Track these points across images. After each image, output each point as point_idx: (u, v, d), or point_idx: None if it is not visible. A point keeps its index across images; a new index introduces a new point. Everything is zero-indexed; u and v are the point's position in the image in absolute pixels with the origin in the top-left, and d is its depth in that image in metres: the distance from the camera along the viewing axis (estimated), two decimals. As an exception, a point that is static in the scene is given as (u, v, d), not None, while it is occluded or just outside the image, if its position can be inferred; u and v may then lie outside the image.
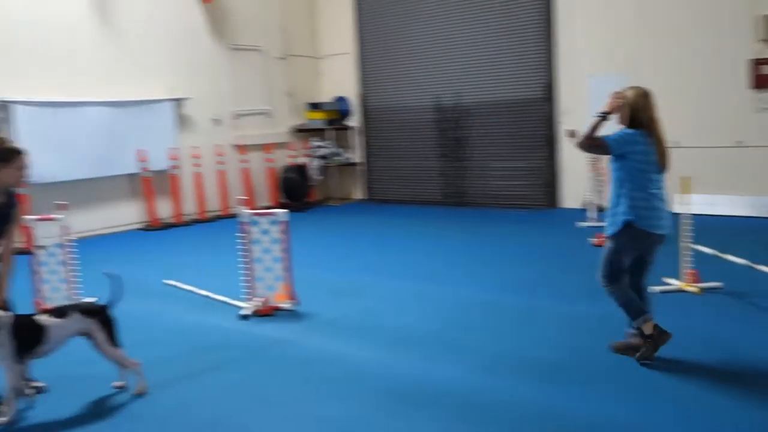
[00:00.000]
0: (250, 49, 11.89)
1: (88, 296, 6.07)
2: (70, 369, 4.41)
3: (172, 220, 10.53)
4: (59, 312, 3.99)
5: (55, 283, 5.95)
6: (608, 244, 4.32)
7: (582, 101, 9.70)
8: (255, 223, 5.73)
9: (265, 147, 12.04)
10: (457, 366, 4.36)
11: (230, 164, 11.49)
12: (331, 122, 12.44)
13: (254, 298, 5.69)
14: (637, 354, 4.24)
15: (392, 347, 4.78)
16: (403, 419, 3.67)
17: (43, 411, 3.90)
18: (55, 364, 4.32)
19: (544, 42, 10.63)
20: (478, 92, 11.35)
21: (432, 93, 11.74)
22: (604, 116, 4.22)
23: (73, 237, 6.02)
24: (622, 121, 4.23)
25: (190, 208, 10.85)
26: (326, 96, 12.99)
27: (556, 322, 5.16)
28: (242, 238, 5.70)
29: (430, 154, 12.01)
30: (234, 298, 5.97)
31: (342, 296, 6.19)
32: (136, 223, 10.32)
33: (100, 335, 3.98)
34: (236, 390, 4.16)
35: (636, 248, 4.27)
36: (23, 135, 8.75)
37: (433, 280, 6.57)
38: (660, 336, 4.22)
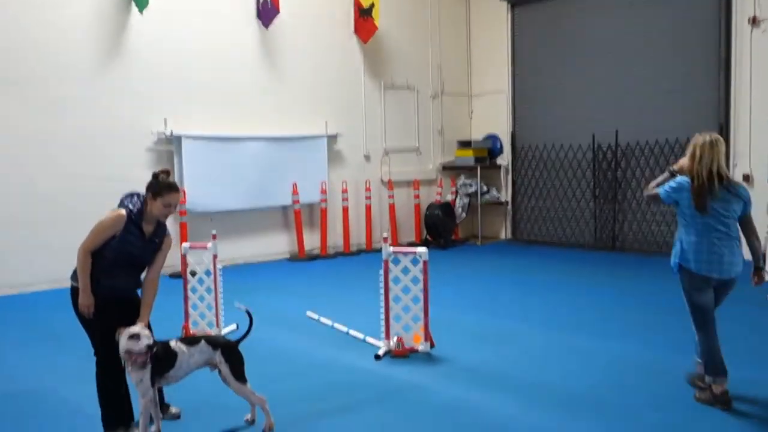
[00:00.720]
0: (404, 88, 12.03)
1: (231, 323, 6.24)
2: (207, 397, 4.46)
3: (318, 252, 10.74)
4: (190, 340, 4.05)
5: (203, 310, 6.16)
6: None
7: (761, 142, 8.76)
8: (396, 261, 5.61)
9: (413, 183, 12.04)
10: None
11: (377, 199, 11.59)
12: (480, 160, 12.22)
13: (390, 338, 5.54)
14: (697, 394, 4.38)
15: (533, 403, 4.41)
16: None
17: (176, 437, 3.95)
18: (194, 390, 4.41)
19: (718, 79, 9.79)
20: (638, 131, 10.65)
21: (588, 131, 11.18)
22: (672, 173, 4.44)
23: (225, 264, 6.20)
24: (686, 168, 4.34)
25: (335, 240, 11.03)
26: (477, 134, 12.82)
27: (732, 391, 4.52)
28: (383, 275, 5.59)
29: (582, 195, 11.41)
30: (371, 336, 5.86)
31: (481, 342, 5.88)
32: (284, 253, 10.64)
33: (225, 368, 3.98)
34: (364, 435, 4.00)
35: (698, 289, 4.33)
36: (188, 167, 9.35)
37: (582, 332, 6.09)
38: (722, 399, 4.23)
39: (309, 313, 6.84)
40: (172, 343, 3.97)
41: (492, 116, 12.62)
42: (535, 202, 12.11)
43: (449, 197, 12.31)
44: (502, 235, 12.55)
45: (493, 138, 12.54)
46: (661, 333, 6.01)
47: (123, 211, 3.95)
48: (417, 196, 12.05)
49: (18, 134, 8.20)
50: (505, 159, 12.46)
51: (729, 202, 4.25)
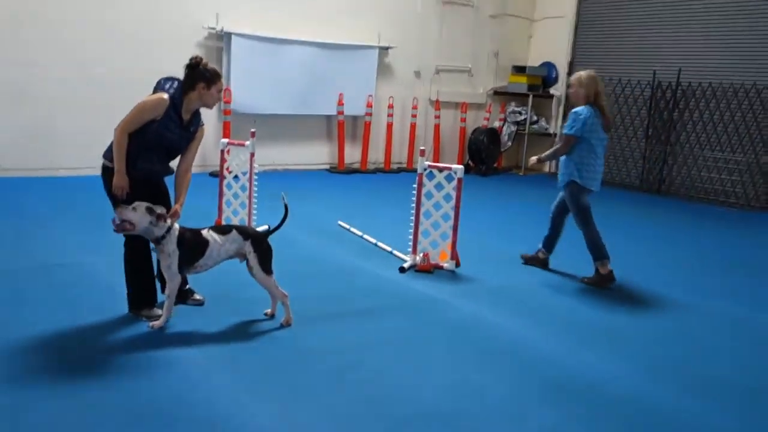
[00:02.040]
0: (463, 4, 11.60)
1: (262, 224, 6.31)
2: (228, 289, 4.56)
3: (358, 166, 10.71)
4: (221, 230, 4.08)
5: (237, 207, 6.24)
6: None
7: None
8: (431, 176, 5.54)
9: (461, 106, 11.79)
10: (622, 364, 3.89)
11: (423, 119, 11.41)
12: (533, 88, 11.85)
13: (417, 253, 5.54)
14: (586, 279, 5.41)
15: (555, 330, 4.39)
16: (553, 407, 3.33)
17: (192, 324, 4.06)
18: (216, 283, 4.50)
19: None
20: (704, 72, 10.13)
21: (649, 68, 10.68)
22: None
23: (264, 168, 6.22)
24: (578, 101, 5.20)
25: (376, 156, 10.97)
26: (533, 60, 12.38)
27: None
28: (416, 189, 5.54)
29: (633, 134, 11.03)
30: (398, 250, 5.87)
31: (507, 267, 5.85)
32: (324, 164, 10.64)
33: (253, 258, 4.03)
34: (380, 339, 4.06)
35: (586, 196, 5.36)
36: (235, 65, 9.29)
37: (616, 265, 5.99)
38: (610, 277, 5.35)
39: (340, 223, 6.88)
40: (204, 232, 4.01)
41: (551, 43, 12.15)
42: (585, 137, 11.75)
43: (496, 124, 12.04)
44: (546, 168, 12.30)
45: (549, 66, 12.11)
46: (698, 280, 5.88)
47: (165, 96, 3.91)
48: (463, 120, 11.82)
49: (75, 24, 8.22)
50: (559, 89, 12.06)
51: None
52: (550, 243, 5.76)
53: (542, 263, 5.80)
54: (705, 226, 8.41)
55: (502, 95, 12.26)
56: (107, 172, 3.98)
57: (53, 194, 7.40)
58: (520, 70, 12.01)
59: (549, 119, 12.20)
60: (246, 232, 4.10)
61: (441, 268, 5.50)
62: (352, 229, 6.66)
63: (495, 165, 11.81)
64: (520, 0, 12.28)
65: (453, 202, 5.43)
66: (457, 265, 5.52)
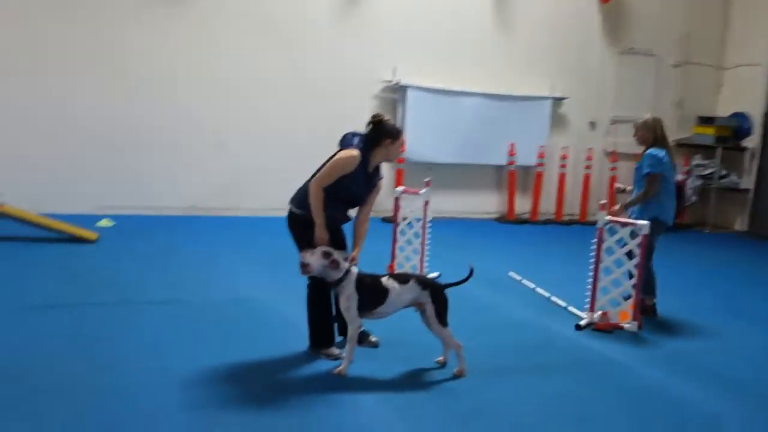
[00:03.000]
0: (642, 54, 11.15)
1: (433, 271, 6.33)
2: (402, 334, 4.57)
3: (528, 217, 10.49)
4: (400, 278, 4.12)
5: (409, 253, 6.31)
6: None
7: None
8: (613, 231, 5.27)
9: (638, 157, 11.19)
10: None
11: (597, 170, 10.99)
12: (721, 140, 11.02)
13: (595, 310, 5.25)
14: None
15: (742, 402, 3.94)
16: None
17: (367, 367, 4.10)
18: (391, 326, 4.54)
19: None
20: None
21: None
22: (622, 190, 5.90)
23: (433, 215, 6.28)
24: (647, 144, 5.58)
25: (547, 207, 10.69)
26: (723, 110, 11.54)
27: None
28: (595, 243, 5.29)
29: None
30: (573, 306, 5.62)
31: (695, 333, 5.37)
32: (492, 213, 10.54)
33: (431, 309, 4.02)
34: (551, 399, 3.86)
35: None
36: (410, 116, 9.56)
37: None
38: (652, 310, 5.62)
39: (511, 274, 6.73)
40: (384, 280, 4.06)
41: (743, 93, 11.26)
42: (783, 194, 10.69)
43: (679, 177, 11.28)
44: (737, 226, 11.29)
45: (740, 117, 11.21)
46: None
47: (357, 152, 4.09)
48: (642, 172, 11.21)
49: (256, 72, 8.91)
50: (752, 141, 11.10)
51: None
52: (650, 287, 5.63)
53: (652, 311, 5.61)
54: None
55: (686, 147, 11.52)
56: (294, 217, 4.20)
57: (239, 234, 7.94)
58: (707, 120, 11.23)
59: (741, 173, 11.24)
60: (424, 282, 4.11)
61: (621, 328, 5.16)
62: (524, 281, 6.48)
63: (678, 220, 11.02)
64: (707, 48, 11.57)
65: (637, 260, 5.11)
66: (640, 327, 5.15)
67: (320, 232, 4.05)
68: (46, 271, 5.78)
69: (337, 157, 4.11)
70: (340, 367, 4.00)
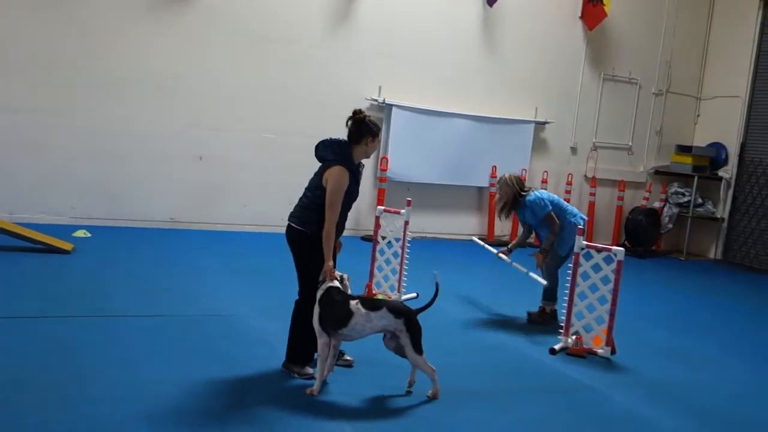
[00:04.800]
0: (625, 82, 11.34)
1: (411, 291, 6.35)
2: (378, 354, 4.56)
3: (508, 239, 10.55)
4: (372, 304, 4.03)
5: (387, 273, 6.33)
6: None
7: None
8: (588, 256, 5.33)
9: (619, 184, 11.37)
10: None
11: (577, 195, 11.11)
12: (699, 169, 11.20)
13: (569, 335, 5.30)
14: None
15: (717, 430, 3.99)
16: None
17: (340, 386, 4.10)
18: (367, 346, 4.52)
19: None
20: None
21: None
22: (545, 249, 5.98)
23: (415, 236, 6.31)
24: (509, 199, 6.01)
25: (527, 230, 10.76)
26: (700, 140, 11.75)
27: None
28: (572, 268, 5.34)
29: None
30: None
31: (667, 359, 5.43)
32: (473, 234, 10.56)
33: (405, 338, 3.94)
34: (525, 424, 3.88)
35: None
36: (394, 135, 9.61)
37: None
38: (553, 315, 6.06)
39: (474, 239, 6.78)
40: (352, 303, 3.96)
41: (721, 123, 11.49)
42: (756, 223, 10.87)
43: (656, 204, 11.46)
44: (711, 254, 11.46)
45: (718, 146, 11.42)
46: None
47: (342, 167, 4.12)
48: (621, 198, 11.36)
49: (252, 87, 8.93)
50: (728, 171, 11.31)
51: None
52: (553, 295, 6.10)
53: (552, 317, 6.04)
54: None
55: (663, 175, 11.70)
56: (296, 233, 4.17)
57: (219, 247, 7.91)
58: (685, 149, 11.42)
59: (716, 203, 11.42)
60: (398, 311, 3.99)
61: (595, 353, 5.21)
62: (487, 247, 6.78)
63: (654, 247, 11.18)
64: (687, 78, 11.80)
65: (611, 285, 5.17)
66: (613, 352, 5.20)
67: (328, 263, 4.06)
68: (19, 281, 5.71)
69: (331, 184, 4.08)
70: (313, 387, 3.98)
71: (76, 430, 3.27)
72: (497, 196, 6.19)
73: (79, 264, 6.44)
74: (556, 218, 5.89)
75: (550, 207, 5.89)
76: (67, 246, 6.80)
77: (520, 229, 6.43)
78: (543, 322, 5.99)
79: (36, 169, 8.01)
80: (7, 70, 7.80)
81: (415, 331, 3.97)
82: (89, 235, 7.64)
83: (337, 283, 4.05)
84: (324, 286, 4.03)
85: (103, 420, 3.39)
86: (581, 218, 6.04)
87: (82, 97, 8.15)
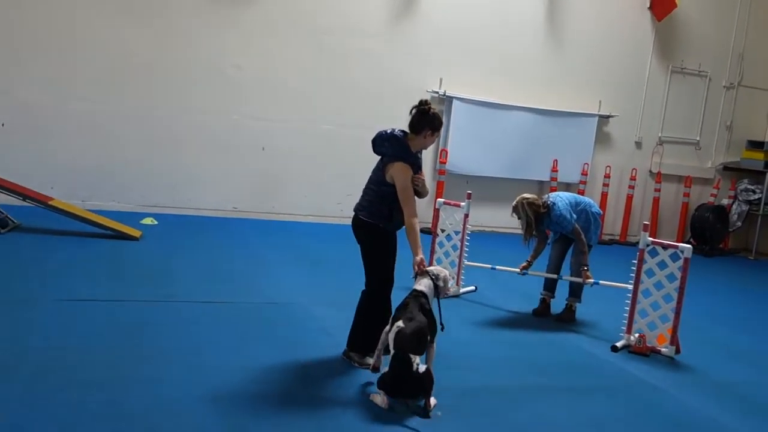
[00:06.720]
0: (694, 75, 10.98)
1: (469, 284, 6.33)
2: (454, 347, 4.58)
3: (568, 235, 10.38)
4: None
5: (446, 266, 6.31)
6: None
7: None
8: (654, 253, 5.20)
9: (685, 180, 11.03)
10: None
11: (641, 191, 10.84)
12: (771, 165, 10.77)
13: (632, 333, 5.19)
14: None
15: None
16: None
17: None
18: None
19: None
20: None
21: None
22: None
23: (474, 229, 6.27)
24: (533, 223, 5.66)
25: (588, 226, 10.56)
26: (774, 135, 11.30)
27: None
28: (636, 265, 5.22)
29: None
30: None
31: (734, 361, 5.27)
32: (533, 229, 10.45)
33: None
34: (586, 421, 3.82)
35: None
36: (454, 128, 9.56)
37: None
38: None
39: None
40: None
41: (796, 117, 11.02)
42: (833, 223, 10.39)
43: (725, 201, 11.07)
44: (783, 254, 11.01)
45: (793, 142, 10.95)
46: None
47: (404, 163, 4.13)
48: (687, 194, 11.02)
49: (312, 78, 9.02)
50: (803, 173, 10.83)
51: None
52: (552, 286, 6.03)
53: (547, 308, 5.94)
54: None
55: (733, 171, 11.29)
56: (364, 225, 4.22)
57: (280, 237, 8.04)
58: (756, 145, 11.00)
59: (789, 201, 10.97)
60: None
61: (658, 352, 5.09)
62: None
63: (721, 245, 10.81)
64: (761, 71, 11.34)
65: (677, 283, 5.03)
66: (677, 351, 5.07)
67: (419, 258, 4.09)
68: (91, 265, 5.93)
69: (398, 183, 4.09)
70: (373, 361, 4.00)
71: (143, 410, 3.37)
72: (520, 221, 5.74)
73: (146, 250, 6.66)
74: (582, 233, 5.70)
75: (574, 219, 5.66)
76: (135, 233, 7.04)
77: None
78: (570, 319, 5.80)
79: (107, 159, 8.30)
80: (84, 63, 8.11)
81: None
82: (156, 222, 7.88)
83: (422, 287, 3.99)
84: (417, 287, 4.00)
85: (170, 401, 3.49)
86: (597, 206, 5.99)
87: (152, 89, 8.40)
